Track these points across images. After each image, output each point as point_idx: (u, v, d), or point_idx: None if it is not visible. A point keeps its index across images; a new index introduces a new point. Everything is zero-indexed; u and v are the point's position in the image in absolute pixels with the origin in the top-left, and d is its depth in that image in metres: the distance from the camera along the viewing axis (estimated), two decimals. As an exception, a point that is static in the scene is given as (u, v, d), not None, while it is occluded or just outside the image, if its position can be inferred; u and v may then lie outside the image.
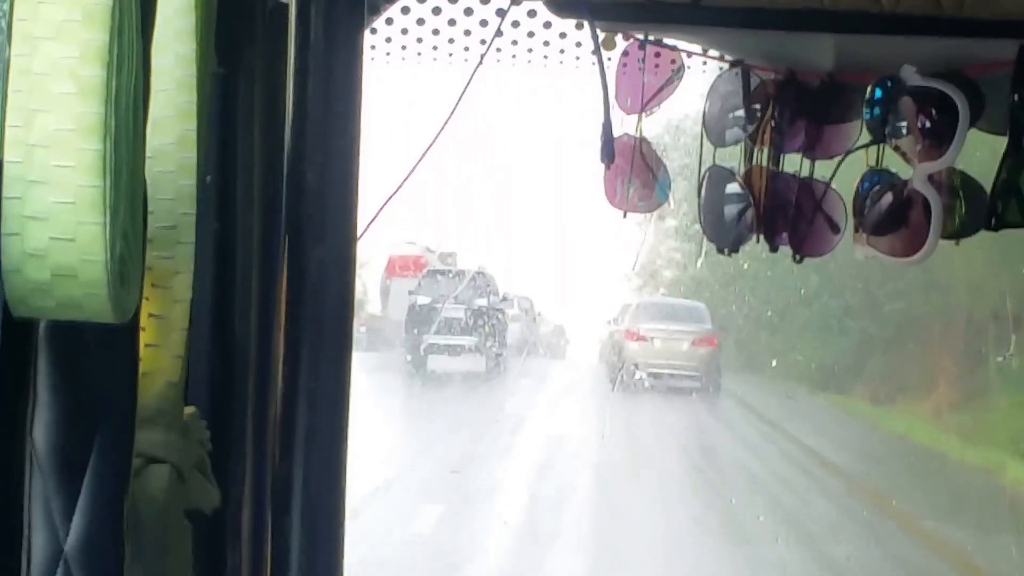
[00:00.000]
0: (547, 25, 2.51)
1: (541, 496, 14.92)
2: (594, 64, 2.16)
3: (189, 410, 1.46)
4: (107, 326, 1.11)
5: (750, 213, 2.45)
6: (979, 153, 2.46)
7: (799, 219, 2.46)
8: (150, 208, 1.22)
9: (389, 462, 16.26)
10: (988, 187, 2.30)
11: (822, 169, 2.49)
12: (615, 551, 12.87)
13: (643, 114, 2.45)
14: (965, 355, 19.48)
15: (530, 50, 2.62)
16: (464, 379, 23.08)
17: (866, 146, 2.39)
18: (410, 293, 24.44)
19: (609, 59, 2.34)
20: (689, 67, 2.46)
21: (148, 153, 1.20)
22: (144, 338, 1.33)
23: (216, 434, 1.53)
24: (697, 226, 2.57)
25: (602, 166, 2.39)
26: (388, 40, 2.56)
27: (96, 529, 1.19)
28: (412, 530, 12.85)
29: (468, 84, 2.21)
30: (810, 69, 2.42)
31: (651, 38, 2.37)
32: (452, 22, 2.48)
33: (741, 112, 2.43)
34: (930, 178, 2.28)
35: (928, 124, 2.25)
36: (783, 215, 2.47)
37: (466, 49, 2.56)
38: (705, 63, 2.50)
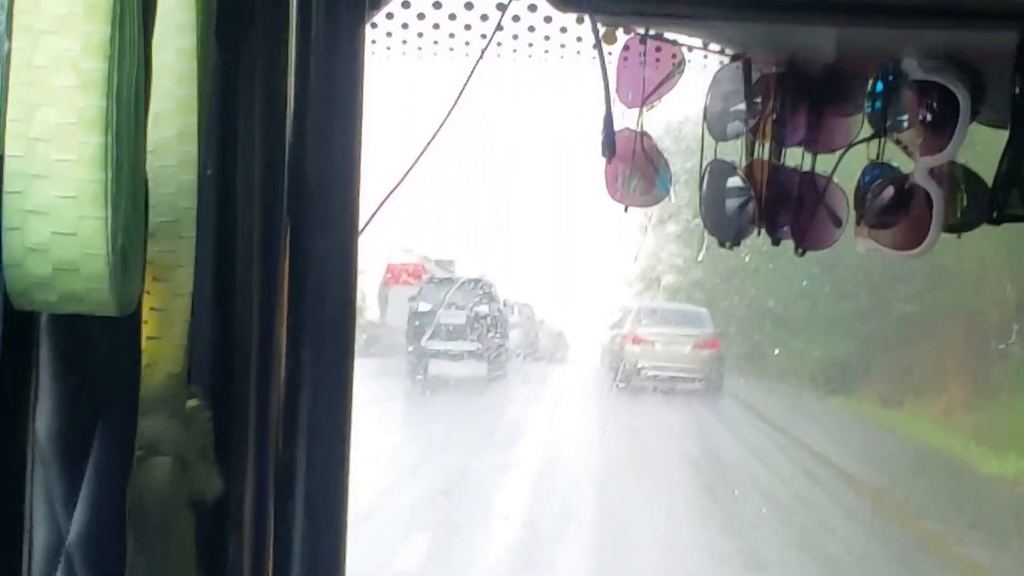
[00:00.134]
0: (547, 19, 2.52)
1: (542, 490, 14.83)
2: (595, 58, 2.16)
3: (192, 401, 1.46)
4: (109, 318, 1.12)
5: (751, 206, 2.45)
6: (979, 146, 2.46)
7: (801, 212, 2.47)
8: (151, 202, 1.22)
9: (399, 453, 16.19)
10: (990, 180, 2.30)
11: (823, 163, 2.50)
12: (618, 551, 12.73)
13: (644, 108, 2.45)
14: (980, 356, 19.03)
15: (531, 45, 2.62)
16: (465, 383, 23.07)
17: (867, 139, 2.39)
18: (410, 300, 24.44)
19: (610, 53, 2.34)
20: (690, 61, 2.46)
21: (149, 147, 1.20)
22: (146, 330, 1.34)
23: (219, 424, 1.53)
24: (699, 231, 2.57)
25: (602, 167, 2.39)
26: (389, 35, 2.56)
27: (98, 519, 1.19)
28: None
29: (469, 79, 2.21)
30: (811, 60, 2.42)
31: (652, 32, 2.38)
32: (452, 16, 2.48)
33: (742, 106, 2.43)
34: (931, 171, 2.28)
35: (929, 118, 2.25)
36: (785, 208, 2.47)
37: (467, 44, 2.57)
38: (706, 56, 2.51)
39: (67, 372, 1.17)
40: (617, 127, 2.35)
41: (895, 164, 2.39)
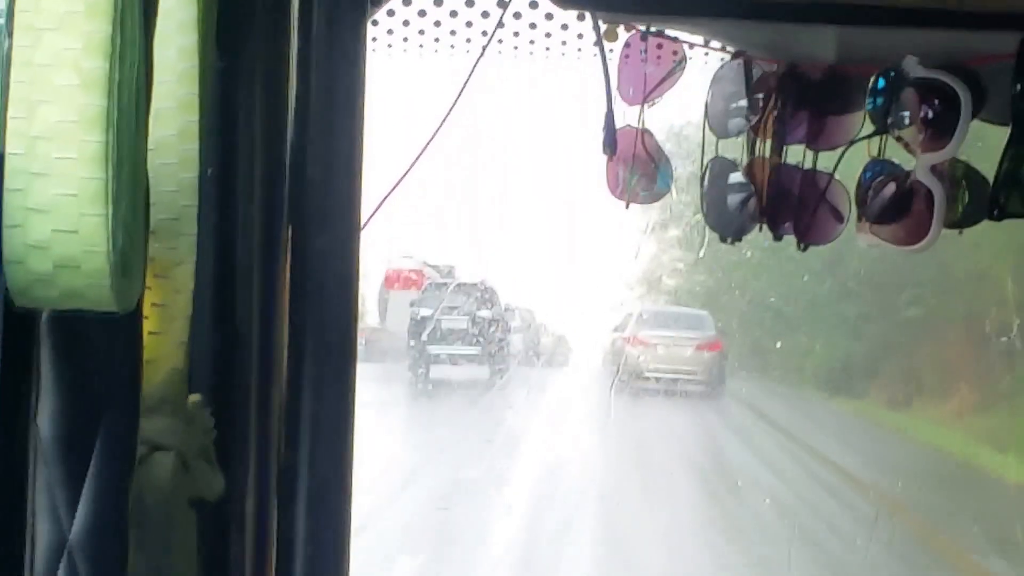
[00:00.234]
0: (549, 16, 2.52)
1: (543, 496, 14.80)
2: (596, 56, 2.16)
3: (193, 398, 1.46)
4: (110, 315, 1.12)
5: (753, 202, 2.45)
6: (980, 144, 2.46)
7: (803, 208, 2.47)
8: (152, 200, 1.22)
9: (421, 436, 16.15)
10: (991, 177, 2.30)
11: (824, 161, 2.50)
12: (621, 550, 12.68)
13: (645, 105, 2.45)
14: (991, 358, 18.79)
15: (532, 42, 2.63)
16: (467, 387, 23.06)
17: (869, 137, 2.39)
18: (412, 305, 24.44)
19: (611, 51, 2.34)
20: (691, 58, 2.46)
21: (150, 145, 1.20)
22: (147, 326, 1.34)
23: (220, 424, 1.53)
24: (701, 231, 2.57)
25: (603, 166, 2.40)
26: (390, 32, 2.57)
27: (100, 517, 1.20)
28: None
29: (470, 76, 2.21)
30: (812, 61, 2.42)
31: (653, 29, 2.38)
32: (454, 13, 2.49)
33: (744, 103, 2.44)
34: (933, 168, 2.28)
35: (931, 115, 2.25)
36: (786, 204, 2.47)
37: (468, 40, 2.57)
38: (707, 54, 2.51)
39: (69, 370, 1.17)
40: (618, 124, 2.36)
41: (896, 161, 2.39)
